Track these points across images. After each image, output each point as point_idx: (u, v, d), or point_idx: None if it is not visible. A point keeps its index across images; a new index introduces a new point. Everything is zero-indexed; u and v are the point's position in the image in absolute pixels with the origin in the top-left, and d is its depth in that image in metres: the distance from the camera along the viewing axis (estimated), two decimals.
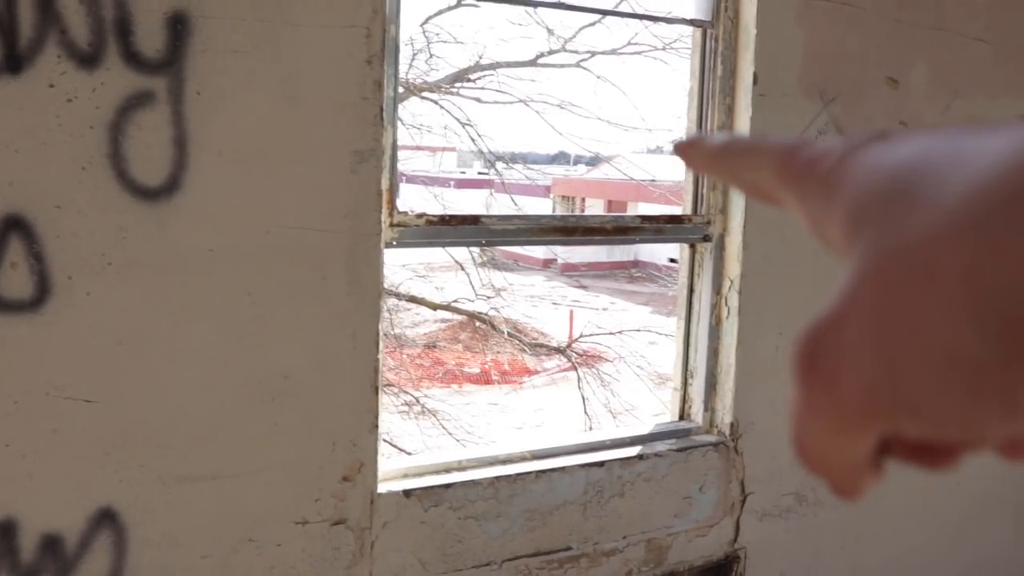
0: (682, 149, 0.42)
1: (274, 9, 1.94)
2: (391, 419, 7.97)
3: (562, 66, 9.65)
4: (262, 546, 2.11)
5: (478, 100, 9.15)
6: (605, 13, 4.12)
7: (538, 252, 23.11)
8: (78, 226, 1.83)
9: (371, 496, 2.21)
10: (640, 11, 4.96)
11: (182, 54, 1.87)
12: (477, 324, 9.54)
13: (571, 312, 15.48)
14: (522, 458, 2.49)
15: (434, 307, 9.09)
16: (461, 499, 2.33)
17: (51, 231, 1.81)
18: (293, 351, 2.07)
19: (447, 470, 2.39)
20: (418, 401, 8.58)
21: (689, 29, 2.71)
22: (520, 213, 2.76)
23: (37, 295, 1.82)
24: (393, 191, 2.19)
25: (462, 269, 8.66)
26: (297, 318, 2.06)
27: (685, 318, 2.77)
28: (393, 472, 2.32)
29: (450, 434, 8.29)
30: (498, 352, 11.26)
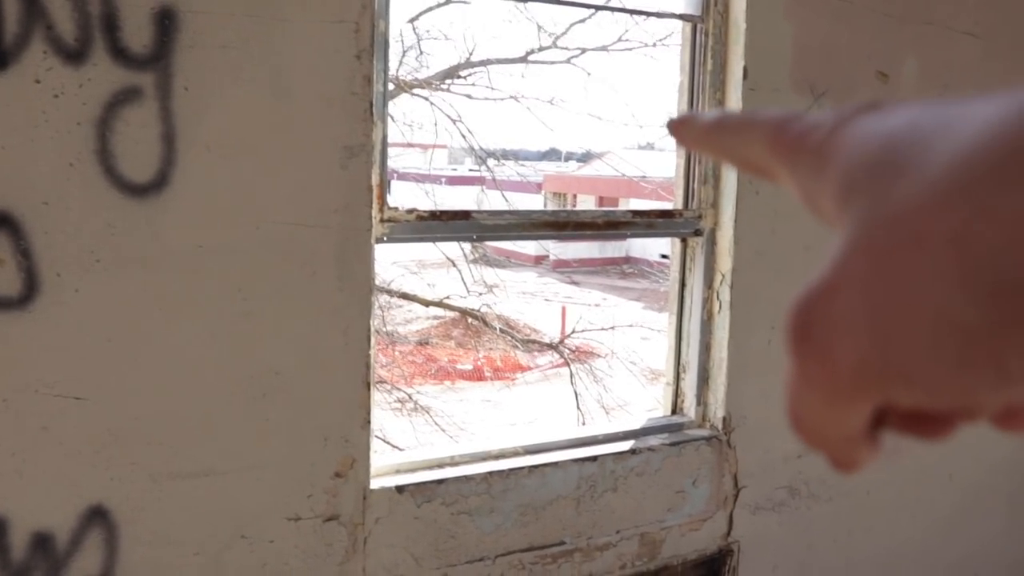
0: (674, 126, 0.42)
1: (262, 4, 1.93)
2: (384, 416, 7.96)
3: (553, 63, 9.66)
4: (254, 543, 2.10)
5: (469, 97, 9.15)
6: (596, 8, 4.11)
7: (530, 249, 23.13)
8: (66, 223, 1.82)
9: (364, 492, 2.20)
10: (630, 6, 4.96)
11: (170, 50, 1.86)
12: (469, 321, 9.54)
13: (563, 308, 15.49)
14: (515, 453, 2.48)
15: (426, 304, 9.08)
16: (454, 494, 2.32)
17: (39, 228, 1.80)
18: (284, 347, 2.06)
19: (440, 465, 2.38)
20: (411, 398, 8.58)
21: (679, 24, 2.70)
22: (511, 208, 2.75)
23: (25, 292, 1.81)
24: (384, 186, 2.18)
25: (454, 266, 8.66)
26: (288, 314, 2.05)
27: (677, 312, 2.77)
28: (386, 468, 2.31)
29: (443, 431, 8.29)
30: (491, 348, 11.26)
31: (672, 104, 2.77)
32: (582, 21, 9.18)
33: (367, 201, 2.10)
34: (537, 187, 24.07)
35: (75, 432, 1.89)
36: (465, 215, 2.37)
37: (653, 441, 2.64)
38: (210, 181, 1.93)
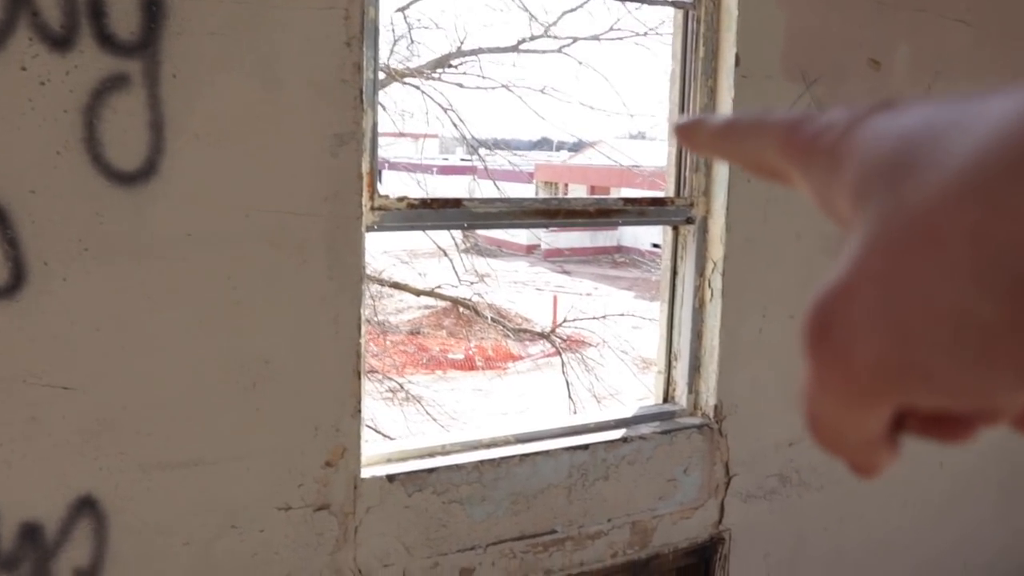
0: (683, 130, 0.41)
1: None
2: (375, 406, 7.96)
3: (544, 52, 9.63)
4: (245, 532, 2.09)
5: (460, 86, 9.11)
6: None
7: (521, 238, 23.12)
8: (53, 211, 1.80)
9: (354, 481, 2.20)
10: None
11: (157, 36, 1.84)
12: (461, 310, 9.53)
13: (555, 297, 15.49)
14: (506, 442, 2.48)
15: (417, 293, 9.06)
16: (445, 483, 2.32)
17: (26, 216, 1.78)
18: (274, 336, 2.05)
19: (431, 454, 2.38)
20: (402, 387, 8.57)
21: (671, 12, 2.69)
22: (502, 196, 2.74)
23: (12, 281, 1.79)
24: (374, 174, 2.17)
25: (445, 255, 8.64)
26: (277, 303, 2.04)
27: (669, 300, 2.77)
28: (376, 457, 2.31)
29: (434, 420, 8.29)
30: (482, 338, 11.26)
31: (664, 94, 2.77)
32: (573, 10, 9.15)
33: (357, 189, 2.09)
34: (529, 176, 24.05)
35: (64, 422, 1.87)
36: (456, 203, 2.36)
37: (644, 429, 2.64)
38: (199, 169, 1.92)
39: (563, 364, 8.76)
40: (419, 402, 8.45)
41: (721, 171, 2.62)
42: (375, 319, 8.92)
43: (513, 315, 11.71)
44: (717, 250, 2.65)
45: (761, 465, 2.82)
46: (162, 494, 1.99)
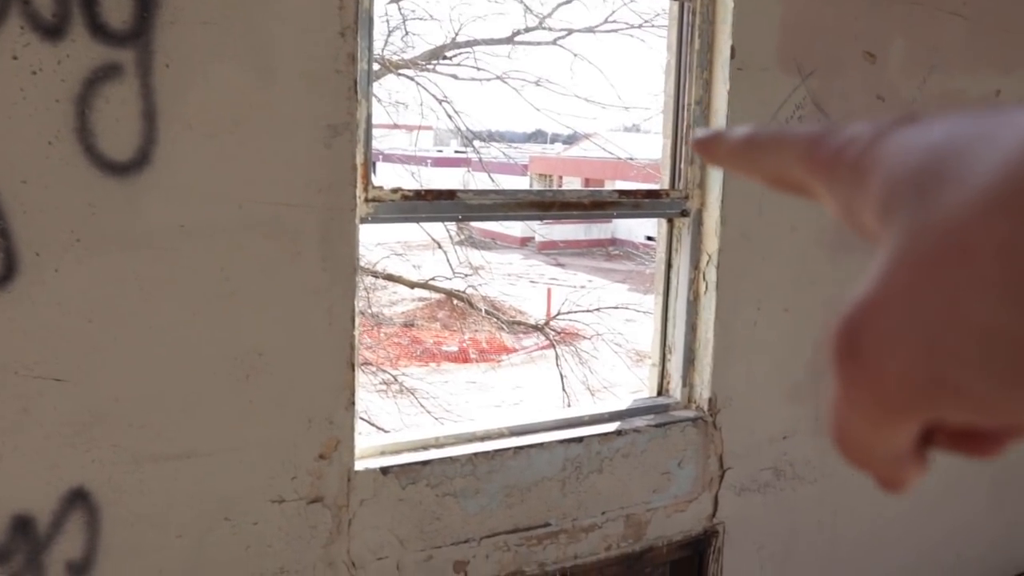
0: (701, 144, 0.40)
1: None
2: (369, 398, 7.95)
3: (539, 44, 9.60)
4: (238, 525, 2.09)
5: (454, 77, 9.09)
6: None
7: (516, 230, 23.10)
8: (45, 201, 1.79)
9: (348, 474, 2.19)
10: None
11: (150, 25, 1.83)
12: (455, 302, 9.52)
13: (549, 290, 15.48)
14: (500, 435, 2.48)
15: (411, 285, 9.05)
16: (439, 476, 2.31)
17: (17, 207, 1.77)
18: (267, 328, 2.04)
19: (424, 447, 2.37)
20: (396, 380, 8.56)
21: (667, 4, 2.68)
22: (497, 188, 2.74)
23: (4, 272, 1.78)
24: (368, 166, 2.16)
25: (439, 247, 8.63)
26: (271, 294, 2.03)
27: (663, 293, 2.77)
28: (370, 449, 2.30)
29: (428, 412, 8.29)
30: (476, 330, 11.26)
31: (659, 87, 2.76)
32: (568, 1, 9.13)
33: (351, 180, 2.08)
34: (523, 169, 24.02)
35: (56, 414, 1.86)
36: (450, 195, 2.35)
37: (639, 422, 2.64)
38: (192, 160, 1.91)
39: (557, 357, 8.77)
40: (413, 394, 8.45)
41: None
42: (369, 311, 8.91)
43: (507, 307, 11.70)
44: (712, 243, 2.65)
45: (755, 458, 2.82)
46: (155, 486, 1.98)
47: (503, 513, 2.41)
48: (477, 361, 12.72)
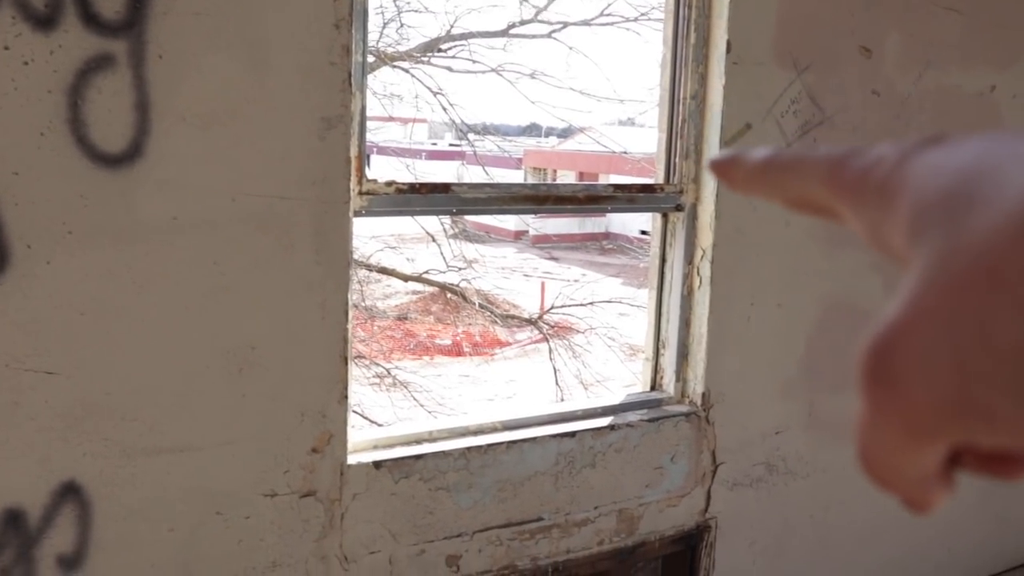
0: (719, 167, 0.40)
1: None
2: (362, 391, 7.95)
3: (534, 36, 9.59)
4: (230, 519, 2.08)
5: (449, 70, 9.08)
6: None
7: (510, 224, 23.09)
8: (37, 193, 1.78)
9: (341, 468, 2.19)
10: None
11: (143, 16, 1.81)
12: (449, 296, 9.52)
13: (542, 284, 15.48)
14: (493, 429, 2.47)
15: (405, 278, 9.05)
16: (432, 470, 2.31)
17: (9, 198, 1.76)
18: (260, 321, 2.04)
19: (417, 441, 2.37)
20: (389, 373, 8.56)
21: None
22: (491, 182, 2.73)
23: None
24: (362, 158, 2.15)
25: (433, 240, 8.62)
26: (264, 287, 2.03)
27: (657, 288, 2.76)
28: (363, 443, 2.30)
29: (422, 406, 8.29)
30: (470, 324, 11.26)
31: (654, 80, 2.75)
32: None
33: (345, 173, 2.07)
34: (517, 162, 24.01)
35: (47, 407, 1.86)
36: (444, 188, 2.34)
37: (632, 417, 2.64)
38: (185, 152, 1.90)
39: (550, 351, 8.77)
40: (406, 388, 8.44)
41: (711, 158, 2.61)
42: (362, 304, 8.90)
43: (501, 301, 11.70)
44: (706, 237, 2.64)
45: (748, 453, 2.83)
46: (147, 480, 1.97)
47: (496, 507, 2.41)
48: (470, 355, 12.72)
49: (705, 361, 2.69)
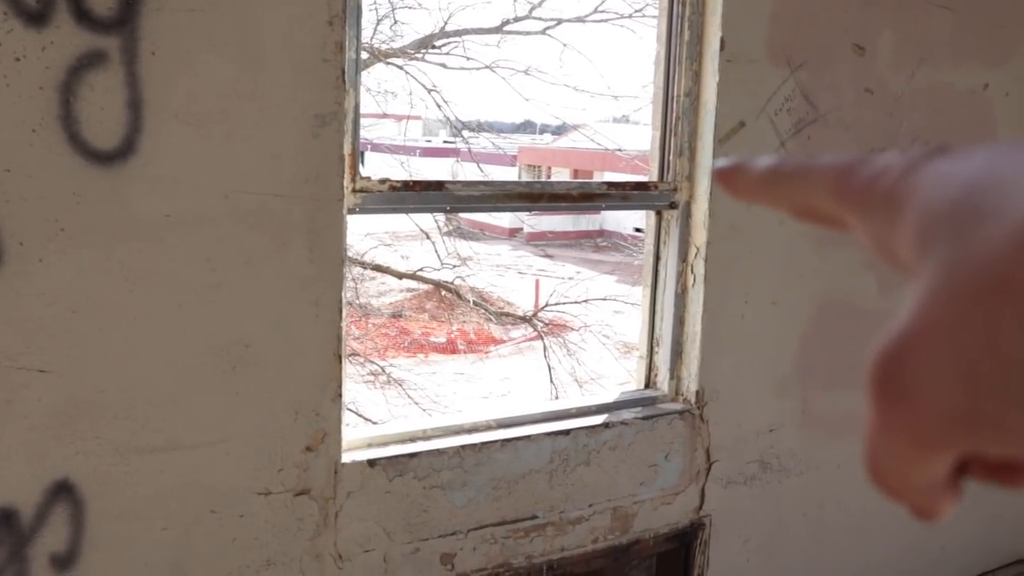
0: (723, 175, 0.39)
1: None
2: (357, 389, 7.94)
3: (528, 33, 9.59)
4: (224, 517, 2.08)
5: (443, 66, 9.07)
6: None
7: (504, 221, 23.08)
8: (29, 190, 1.77)
9: (335, 466, 2.18)
10: None
11: (135, 12, 1.81)
12: (443, 293, 9.51)
13: (537, 281, 15.49)
14: (487, 427, 2.47)
15: (400, 276, 9.04)
16: (426, 468, 2.31)
17: (0, 196, 1.75)
18: (254, 319, 2.03)
19: (412, 439, 2.37)
20: (384, 371, 8.55)
21: None
22: (485, 179, 2.72)
23: None
24: (356, 156, 2.15)
25: (428, 238, 8.61)
26: (258, 285, 2.02)
27: (651, 286, 2.76)
28: (357, 442, 2.30)
29: (416, 403, 8.29)
30: (464, 321, 11.26)
31: (649, 76, 2.75)
32: None
33: (339, 171, 2.07)
34: (512, 159, 23.99)
35: (39, 406, 1.85)
36: (439, 186, 2.34)
37: (626, 415, 2.64)
38: (178, 149, 1.89)
39: (545, 348, 8.77)
40: (401, 385, 8.44)
41: (705, 156, 2.61)
42: (357, 302, 8.89)
43: (495, 298, 11.70)
44: (700, 235, 2.64)
45: (742, 451, 2.83)
46: (140, 479, 1.97)
47: (490, 505, 2.41)
48: (465, 352, 12.71)
49: (699, 359, 2.69)
